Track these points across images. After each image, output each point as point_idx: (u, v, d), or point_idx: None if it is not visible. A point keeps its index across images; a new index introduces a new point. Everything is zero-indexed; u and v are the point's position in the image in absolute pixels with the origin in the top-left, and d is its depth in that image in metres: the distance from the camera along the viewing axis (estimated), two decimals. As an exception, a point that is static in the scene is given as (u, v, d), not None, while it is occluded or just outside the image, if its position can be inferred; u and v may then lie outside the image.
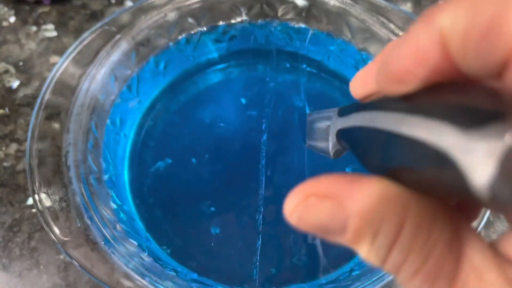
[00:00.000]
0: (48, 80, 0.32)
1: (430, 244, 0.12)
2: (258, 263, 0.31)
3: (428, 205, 0.12)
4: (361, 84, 0.16)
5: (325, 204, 0.12)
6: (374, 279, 0.25)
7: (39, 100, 0.31)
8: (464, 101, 0.11)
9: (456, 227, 0.12)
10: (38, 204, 0.27)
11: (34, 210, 0.36)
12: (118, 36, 0.34)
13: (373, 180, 0.12)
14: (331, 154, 0.19)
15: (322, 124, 0.22)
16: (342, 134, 0.18)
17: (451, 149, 0.10)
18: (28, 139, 0.30)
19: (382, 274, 0.26)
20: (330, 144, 0.19)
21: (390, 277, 0.25)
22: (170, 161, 0.35)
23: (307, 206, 0.13)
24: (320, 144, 0.22)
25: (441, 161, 0.10)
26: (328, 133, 0.20)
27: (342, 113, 0.18)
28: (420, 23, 0.12)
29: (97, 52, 0.33)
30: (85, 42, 0.33)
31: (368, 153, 0.15)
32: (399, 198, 0.12)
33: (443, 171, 0.11)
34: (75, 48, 0.33)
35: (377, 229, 0.12)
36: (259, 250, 0.32)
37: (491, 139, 0.09)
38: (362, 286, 0.25)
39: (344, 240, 0.13)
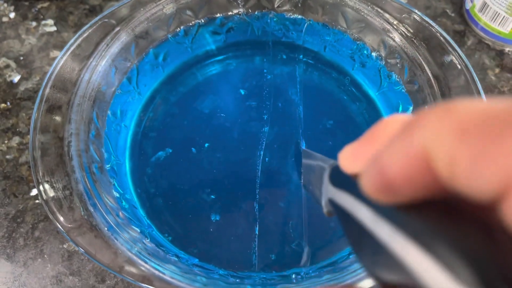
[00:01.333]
0: (49, 74, 0.32)
1: None
2: (256, 249, 0.32)
3: None
4: (350, 161, 0.15)
5: None
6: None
7: (40, 94, 0.32)
8: (449, 232, 0.10)
9: None
10: (43, 193, 0.28)
11: (37, 201, 0.36)
12: (117, 29, 0.35)
13: None
14: (325, 211, 0.18)
15: (317, 175, 0.21)
16: (332, 205, 0.17)
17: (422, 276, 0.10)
18: (31, 131, 0.30)
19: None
20: (322, 202, 0.18)
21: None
22: (170, 150, 0.36)
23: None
24: (316, 193, 0.21)
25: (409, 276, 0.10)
26: (321, 190, 0.19)
27: (333, 181, 0.17)
28: (405, 132, 0.11)
29: (97, 45, 0.34)
30: (85, 35, 0.34)
31: (350, 234, 0.14)
32: None
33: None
34: (75, 41, 0.34)
35: None
36: (257, 236, 0.32)
37: None
38: (360, 267, 0.26)
39: None
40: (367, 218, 0.13)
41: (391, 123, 0.13)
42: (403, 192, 0.11)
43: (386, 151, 0.11)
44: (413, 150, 0.10)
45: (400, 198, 0.11)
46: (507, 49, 0.44)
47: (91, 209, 0.28)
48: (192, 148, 0.36)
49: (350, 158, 0.15)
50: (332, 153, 0.35)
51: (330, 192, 0.17)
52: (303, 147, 0.36)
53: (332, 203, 0.17)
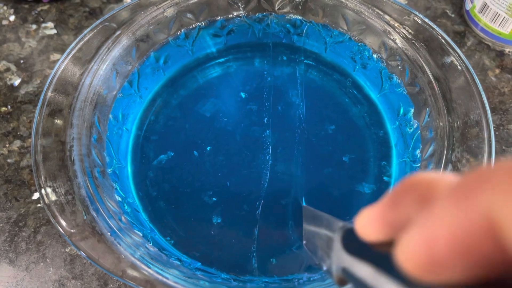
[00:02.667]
0: (50, 77, 0.32)
1: None
2: (256, 253, 0.32)
3: None
4: (371, 228, 0.13)
5: None
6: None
7: (41, 97, 0.32)
8: None
9: None
10: (45, 198, 0.28)
11: (39, 205, 0.36)
12: (118, 32, 0.35)
13: None
14: (335, 280, 0.16)
15: (324, 239, 0.19)
16: (348, 276, 0.15)
17: None
18: (33, 135, 0.30)
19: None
20: (333, 268, 0.16)
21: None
22: (172, 154, 0.36)
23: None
24: (323, 258, 0.19)
25: None
26: (329, 254, 0.17)
27: (348, 248, 0.15)
28: (454, 197, 0.09)
29: (98, 48, 0.34)
30: (86, 38, 0.34)
31: None
32: None
33: None
34: (76, 45, 0.34)
35: None
36: (257, 240, 0.32)
37: None
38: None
39: None
40: None
41: (417, 184, 0.12)
42: (455, 269, 0.09)
43: (435, 218, 0.09)
44: (476, 217, 0.09)
45: (450, 276, 0.09)
46: (507, 50, 0.44)
47: (94, 213, 0.28)
48: (194, 152, 0.36)
49: (370, 225, 0.13)
50: (333, 155, 0.35)
51: (345, 261, 0.15)
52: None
53: (347, 273, 0.15)
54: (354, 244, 0.14)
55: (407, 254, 0.10)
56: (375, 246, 0.13)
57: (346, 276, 0.15)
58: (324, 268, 0.17)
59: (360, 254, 0.14)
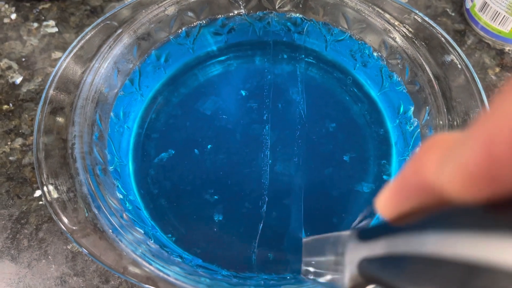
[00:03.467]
0: (52, 76, 0.32)
1: None
2: (256, 250, 0.32)
3: None
4: (393, 201, 0.12)
5: None
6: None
7: (43, 95, 0.32)
8: None
9: None
10: (47, 195, 0.28)
11: (41, 202, 0.37)
12: (119, 31, 0.35)
13: None
14: (350, 286, 0.15)
15: (327, 253, 0.18)
16: (371, 265, 0.14)
17: None
18: (35, 133, 0.30)
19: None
20: (346, 276, 0.16)
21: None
22: (173, 152, 0.36)
23: None
24: (326, 277, 0.18)
25: None
26: (338, 263, 0.17)
27: (365, 236, 0.14)
28: None
29: (99, 47, 0.34)
30: (87, 37, 0.34)
31: (411, 278, 0.11)
32: None
33: None
34: (77, 43, 0.34)
35: None
36: (259, 237, 0.33)
37: None
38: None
39: None
40: (443, 241, 0.09)
41: (440, 142, 0.11)
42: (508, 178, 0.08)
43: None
44: None
45: (500, 189, 0.09)
46: (507, 49, 0.44)
47: (95, 211, 0.28)
48: (195, 150, 0.36)
49: (392, 199, 0.12)
50: (333, 154, 0.36)
51: (364, 251, 0.14)
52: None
53: (371, 263, 0.14)
54: (371, 232, 0.14)
55: (458, 167, 0.09)
56: (398, 222, 0.12)
57: (368, 267, 0.14)
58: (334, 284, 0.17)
59: (382, 234, 0.13)
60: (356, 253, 0.15)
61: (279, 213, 0.34)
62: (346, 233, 0.16)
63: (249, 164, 0.35)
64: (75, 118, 0.31)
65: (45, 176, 0.29)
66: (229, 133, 0.37)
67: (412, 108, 0.35)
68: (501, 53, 0.44)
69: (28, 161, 0.38)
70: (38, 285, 0.34)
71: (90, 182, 0.29)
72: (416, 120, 0.34)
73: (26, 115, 0.41)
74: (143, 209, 0.34)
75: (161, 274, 0.25)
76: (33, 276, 0.34)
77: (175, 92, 0.39)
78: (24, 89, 0.42)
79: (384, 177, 0.35)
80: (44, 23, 0.46)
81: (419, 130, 0.34)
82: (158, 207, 0.34)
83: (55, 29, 0.45)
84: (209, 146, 0.36)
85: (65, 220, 0.27)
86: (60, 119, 0.32)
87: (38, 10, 0.46)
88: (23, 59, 0.43)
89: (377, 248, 0.13)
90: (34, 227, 0.36)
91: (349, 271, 0.15)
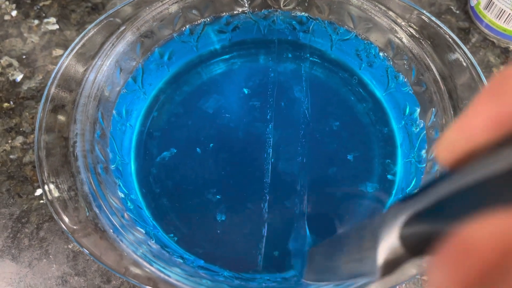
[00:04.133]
0: (54, 73, 0.32)
1: None
2: (263, 250, 0.32)
3: None
4: (454, 145, 0.12)
5: None
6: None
7: (45, 93, 0.31)
8: None
9: None
10: (48, 194, 0.28)
11: (42, 201, 0.36)
12: (122, 28, 0.34)
13: None
14: (380, 269, 0.15)
15: (352, 241, 0.18)
16: (423, 216, 0.13)
17: None
18: (36, 131, 0.30)
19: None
20: (380, 258, 0.15)
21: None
22: (175, 151, 0.36)
23: None
24: (346, 269, 0.18)
25: None
26: (368, 247, 0.16)
27: (413, 196, 0.14)
28: None
29: (102, 44, 0.34)
30: (90, 34, 0.34)
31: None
32: None
33: None
34: (80, 40, 0.33)
35: None
36: (264, 238, 0.32)
37: None
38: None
39: None
40: None
41: None
42: None
43: None
44: None
45: None
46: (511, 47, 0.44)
47: (96, 210, 0.27)
48: (197, 148, 0.36)
49: (453, 143, 0.12)
50: (337, 153, 0.35)
51: (410, 208, 0.14)
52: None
53: (422, 215, 0.13)
54: (420, 192, 0.13)
55: None
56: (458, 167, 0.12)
57: (418, 220, 0.13)
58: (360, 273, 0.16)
59: (430, 188, 0.13)
60: (397, 218, 0.14)
61: (282, 212, 0.33)
62: (378, 216, 0.16)
63: (252, 164, 0.35)
64: (76, 116, 0.31)
65: (46, 174, 0.28)
66: (232, 132, 0.36)
67: (418, 110, 0.35)
68: (506, 51, 0.43)
69: (29, 159, 0.38)
70: (39, 284, 0.33)
71: (91, 181, 0.28)
72: (422, 121, 0.34)
73: (27, 113, 0.40)
74: (145, 208, 0.33)
75: (162, 275, 0.25)
76: (34, 276, 0.34)
77: (178, 90, 0.39)
78: (24, 87, 0.41)
79: (389, 176, 0.35)
80: (45, 20, 0.45)
81: (425, 132, 0.34)
82: (160, 207, 0.34)
83: (56, 26, 0.45)
84: (211, 145, 0.36)
85: (66, 219, 0.27)
86: (61, 117, 0.31)
87: (39, 7, 0.46)
88: (24, 57, 0.43)
89: (430, 196, 0.13)
90: (35, 226, 0.36)
91: (385, 249, 0.15)
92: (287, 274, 0.31)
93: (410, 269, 0.26)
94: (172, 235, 0.33)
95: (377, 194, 0.34)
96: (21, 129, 0.39)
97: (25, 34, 0.45)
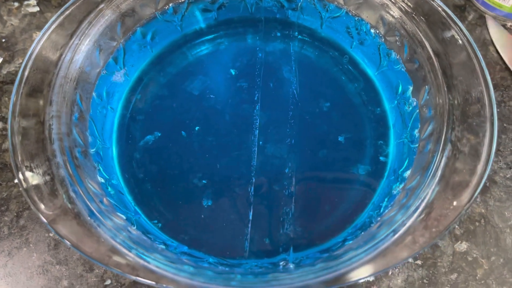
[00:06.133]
0: (28, 54, 0.30)
1: None
2: (249, 235, 0.31)
3: None
4: None
5: None
6: (367, 247, 0.25)
7: (19, 75, 0.30)
8: None
9: None
10: (23, 182, 0.26)
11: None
12: (101, 6, 0.33)
13: None
14: None
15: None
16: None
17: None
18: (9, 116, 0.28)
19: (375, 243, 0.25)
20: None
21: (384, 246, 0.25)
22: (159, 134, 0.34)
23: None
24: None
25: None
26: None
27: None
28: None
29: (80, 23, 0.32)
30: (67, 12, 0.32)
31: None
32: None
33: None
34: (56, 19, 0.32)
35: None
36: (250, 222, 0.31)
37: None
38: (356, 256, 0.25)
39: None
40: None
41: None
42: None
43: None
44: None
45: None
46: (509, 24, 0.42)
47: (73, 195, 0.26)
48: (182, 132, 0.34)
49: None
50: (327, 135, 0.34)
51: None
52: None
53: None
54: None
55: None
56: None
57: None
58: None
59: None
60: None
61: (270, 196, 0.32)
62: None
63: (239, 147, 0.34)
64: (52, 98, 0.29)
65: (20, 159, 0.27)
66: (218, 114, 0.35)
67: (411, 88, 0.33)
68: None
69: (8, 145, 0.37)
70: (19, 274, 0.32)
71: (68, 165, 0.27)
72: (415, 100, 0.33)
73: (7, 98, 0.39)
74: (127, 194, 0.32)
75: (141, 261, 0.24)
76: (13, 265, 0.33)
77: (162, 72, 0.37)
78: (4, 71, 0.40)
79: (381, 158, 0.34)
80: (25, 2, 0.43)
81: (417, 111, 0.32)
82: (143, 192, 0.32)
83: (37, 8, 0.43)
84: (197, 128, 0.34)
85: (42, 206, 0.26)
86: (38, 101, 0.30)
87: (19, -12, 0.44)
88: (3, 40, 0.41)
89: None
90: (15, 214, 0.34)
91: None
92: (275, 259, 0.29)
93: (402, 252, 0.25)
94: (156, 221, 0.31)
95: (369, 176, 0.33)
96: (1, 114, 0.38)
97: (5, 17, 0.43)
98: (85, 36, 0.32)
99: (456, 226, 0.34)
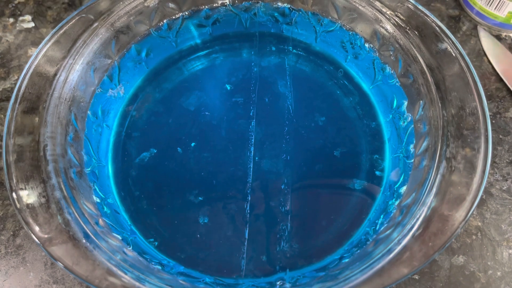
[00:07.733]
0: (24, 73, 0.30)
1: None
2: (245, 253, 0.31)
3: None
4: None
5: None
6: (363, 267, 0.25)
7: (14, 93, 0.30)
8: None
9: None
10: (16, 202, 0.26)
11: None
12: (95, 24, 0.33)
13: None
14: None
15: None
16: None
17: None
18: (4, 134, 0.28)
19: (372, 261, 0.25)
20: None
21: (379, 265, 0.25)
22: (155, 151, 0.34)
23: None
24: None
25: None
26: None
27: None
28: None
29: (74, 41, 0.32)
30: (61, 31, 0.32)
31: None
32: None
33: None
34: (51, 38, 0.32)
35: None
36: (246, 240, 0.31)
37: None
38: (352, 274, 0.25)
39: None
40: None
41: None
42: None
43: None
44: None
45: None
46: (503, 34, 0.42)
47: (68, 217, 0.26)
48: (178, 148, 0.34)
49: None
50: (323, 150, 0.34)
51: None
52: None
53: None
54: None
55: None
56: None
57: None
58: None
59: None
60: None
61: (267, 213, 0.32)
62: None
63: (235, 163, 0.34)
64: (47, 119, 0.29)
65: (14, 180, 0.27)
66: (214, 129, 0.35)
67: (406, 102, 0.33)
68: (497, 39, 0.42)
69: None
70: (15, 293, 0.32)
71: (63, 186, 0.27)
72: (410, 115, 0.33)
73: (2, 116, 0.39)
74: (123, 212, 0.32)
75: (137, 284, 0.24)
76: (11, 285, 0.33)
77: (157, 88, 0.37)
78: None
79: (377, 172, 0.34)
80: (20, 18, 0.43)
81: (412, 126, 0.32)
82: (139, 210, 0.32)
83: (32, 24, 0.43)
84: (192, 144, 0.35)
85: (36, 228, 0.26)
86: (33, 119, 0.30)
87: (13, 5, 0.44)
88: (-1, 56, 0.41)
89: None
90: (11, 233, 0.34)
91: None
92: (272, 278, 0.29)
93: (398, 271, 0.25)
94: (152, 239, 0.31)
95: (365, 191, 0.33)
96: (-4, 132, 0.38)
97: (0, 33, 0.43)
98: (80, 56, 0.32)
99: (453, 240, 0.34)
